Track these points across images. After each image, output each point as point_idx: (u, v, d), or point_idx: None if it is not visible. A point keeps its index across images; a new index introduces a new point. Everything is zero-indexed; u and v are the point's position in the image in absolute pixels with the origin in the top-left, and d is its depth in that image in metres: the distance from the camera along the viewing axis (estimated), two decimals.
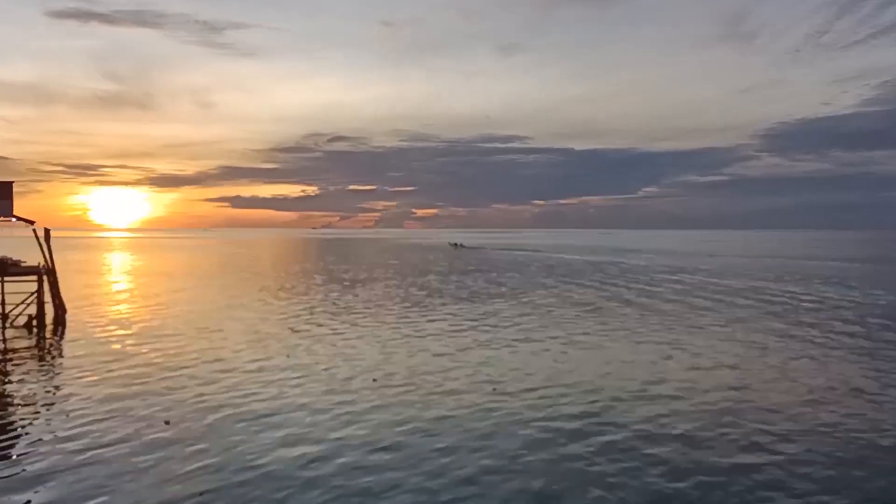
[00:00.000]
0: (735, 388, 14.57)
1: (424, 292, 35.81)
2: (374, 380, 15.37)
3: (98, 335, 21.82)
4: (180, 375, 15.82)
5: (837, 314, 26.42)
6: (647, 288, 38.16)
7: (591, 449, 10.65)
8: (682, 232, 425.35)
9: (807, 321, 24.54)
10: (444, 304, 30.31)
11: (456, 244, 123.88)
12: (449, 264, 64.25)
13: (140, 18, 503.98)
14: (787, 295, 33.51)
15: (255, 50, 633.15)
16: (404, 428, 11.76)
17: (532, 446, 10.76)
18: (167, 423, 12.08)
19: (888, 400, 13.68)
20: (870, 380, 15.41)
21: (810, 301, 30.97)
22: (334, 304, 30.80)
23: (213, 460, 10.15)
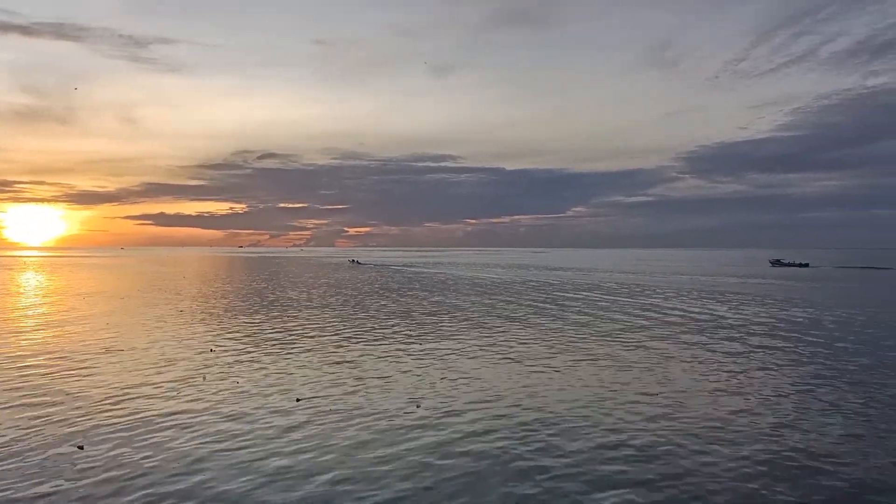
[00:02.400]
0: (647, 395, 15.33)
1: (345, 310, 35.73)
2: (298, 399, 15.33)
3: (1, 359, 20.76)
4: (90, 398, 15.30)
5: (743, 329, 28.01)
6: (517, 303, 39.39)
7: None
8: (610, 250, 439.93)
9: (699, 333, 25.94)
10: (360, 323, 30.34)
11: (353, 260, 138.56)
12: (352, 280, 64.38)
13: (61, 31, 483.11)
14: (679, 311, 35.32)
15: (183, 65, 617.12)
16: (327, 447, 11.82)
17: (460, 461, 11.04)
18: (80, 447, 11.72)
19: (752, 400, 14.72)
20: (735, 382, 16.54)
21: (703, 315, 32.76)
22: (255, 323, 30.34)
23: (125, 484, 9.95)
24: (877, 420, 13.76)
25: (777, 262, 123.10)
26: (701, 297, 46.32)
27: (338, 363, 20.20)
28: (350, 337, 26.24)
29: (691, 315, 34.35)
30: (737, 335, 26.59)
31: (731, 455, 11.42)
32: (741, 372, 18.78)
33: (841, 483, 10.19)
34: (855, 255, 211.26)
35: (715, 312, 35.72)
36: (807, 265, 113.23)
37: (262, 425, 13.14)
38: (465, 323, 31.02)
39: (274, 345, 24.00)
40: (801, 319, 32.42)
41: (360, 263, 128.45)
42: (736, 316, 34.09)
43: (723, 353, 22.22)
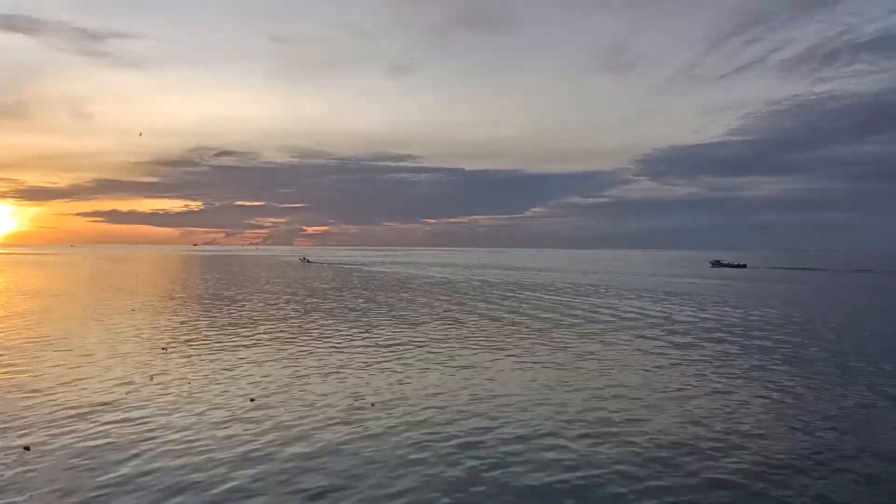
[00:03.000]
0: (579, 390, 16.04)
1: (299, 309, 35.66)
2: (252, 399, 15.44)
3: None
4: (37, 398, 15.07)
5: (692, 328, 29.28)
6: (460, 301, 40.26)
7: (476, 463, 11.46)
8: (567, 251, 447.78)
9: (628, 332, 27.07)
10: (316, 321, 30.41)
11: (304, 259, 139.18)
12: (304, 278, 64.12)
13: (12, 24, 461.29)
14: (611, 309, 36.66)
15: (139, 60, 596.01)
16: (280, 446, 12.04)
17: (416, 459, 11.43)
18: (27, 448, 11.62)
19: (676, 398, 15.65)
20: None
21: (641, 314, 34.10)
22: (206, 322, 30.03)
23: (72, 486, 10.00)
24: (789, 407, 14.80)
25: (717, 263, 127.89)
26: (639, 297, 48.00)
27: (291, 362, 20.31)
28: (301, 335, 26.28)
29: (622, 313, 35.66)
30: (661, 332, 27.91)
31: (652, 441, 12.16)
32: (661, 367, 19.75)
33: (753, 459, 11.02)
34: (800, 257, 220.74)
35: (645, 310, 37.18)
36: (744, 266, 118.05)
37: (214, 424, 13.23)
38: (415, 321, 31.40)
39: (225, 343, 23.86)
40: (721, 316, 34.08)
41: (310, 262, 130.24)
42: (663, 313, 35.61)
43: (641, 349, 23.25)
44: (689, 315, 35.54)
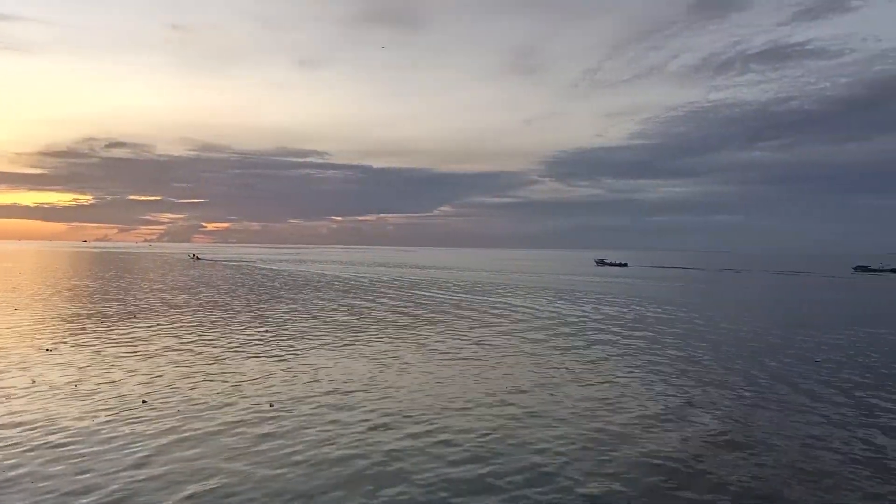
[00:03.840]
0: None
1: (190, 306, 34.50)
2: (144, 401, 14.97)
3: None
4: None
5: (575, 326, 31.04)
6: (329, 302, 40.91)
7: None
8: (474, 250, 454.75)
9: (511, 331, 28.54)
10: (204, 320, 29.61)
11: (193, 256, 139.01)
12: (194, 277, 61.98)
13: None
14: (486, 303, 38.42)
15: (24, 44, 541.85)
16: (170, 446, 11.85)
17: (317, 455, 11.63)
18: None
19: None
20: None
21: (526, 313, 35.92)
22: (92, 321, 28.42)
23: None
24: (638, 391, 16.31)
25: (601, 262, 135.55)
26: (525, 294, 50.18)
27: (183, 362, 19.75)
28: (189, 334, 25.52)
29: (500, 309, 37.29)
30: (540, 326, 29.53)
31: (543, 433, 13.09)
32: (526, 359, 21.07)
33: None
34: (679, 257, 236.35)
35: (513, 304, 39.06)
36: (625, 265, 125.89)
37: (102, 425, 12.78)
38: (307, 320, 31.23)
39: (112, 342, 22.78)
40: (588, 312, 36.48)
41: (199, 259, 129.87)
42: (531, 308, 37.62)
43: (514, 343, 24.61)
44: (561, 309, 37.63)
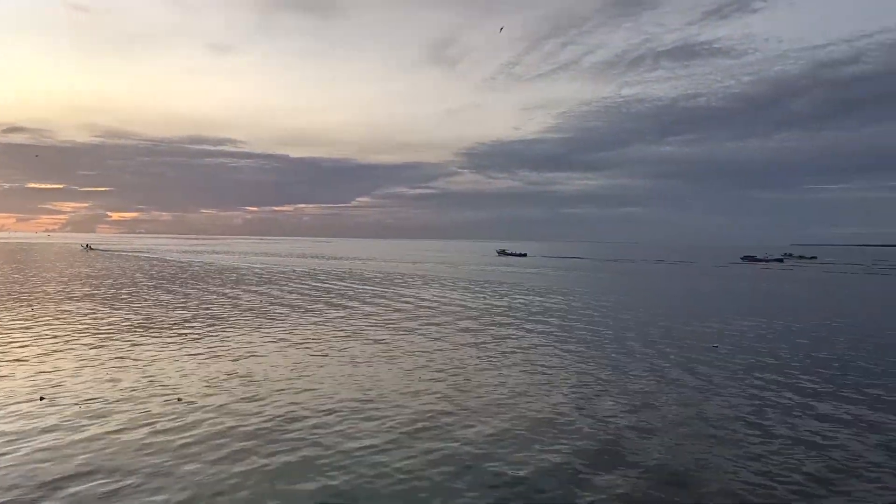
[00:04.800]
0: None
1: (82, 303, 32.87)
2: (42, 398, 14.48)
3: None
4: None
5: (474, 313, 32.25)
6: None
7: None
8: (392, 241, 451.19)
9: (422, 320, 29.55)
10: (98, 314, 28.44)
11: (87, 246, 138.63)
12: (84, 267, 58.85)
13: None
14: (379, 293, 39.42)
15: None
16: (72, 445, 11.71)
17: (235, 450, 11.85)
18: None
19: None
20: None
21: (436, 302, 37.03)
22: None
23: None
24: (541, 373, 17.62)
25: (503, 252, 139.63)
26: (424, 284, 51.27)
27: (81, 358, 19.06)
28: (91, 330, 24.49)
29: (404, 300, 38.23)
30: (435, 314, 30.65)
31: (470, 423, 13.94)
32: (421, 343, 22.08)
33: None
34: (588, 248, 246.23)
35: (421, 297, 40.16)
36: (525, 255, 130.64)
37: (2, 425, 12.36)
38: (206, 311, 30.64)
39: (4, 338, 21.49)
40: (479, 300, 38.19)
41: (93, 249, 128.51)
42: (438, 297, 38.86)
43: (409, 330, 25.61)
44: (460, 298, 39.02)
